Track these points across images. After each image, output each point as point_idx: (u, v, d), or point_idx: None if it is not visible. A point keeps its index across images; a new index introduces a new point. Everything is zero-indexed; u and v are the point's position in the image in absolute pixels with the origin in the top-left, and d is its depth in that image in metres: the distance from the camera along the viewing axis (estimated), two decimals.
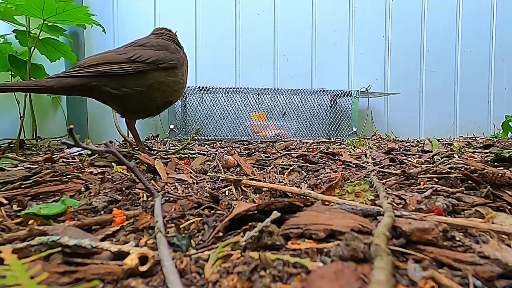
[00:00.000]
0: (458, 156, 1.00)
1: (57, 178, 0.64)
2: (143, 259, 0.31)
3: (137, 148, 1.06)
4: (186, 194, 0.57)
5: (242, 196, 0.59)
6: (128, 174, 0.73)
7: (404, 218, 0.40)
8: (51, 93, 1.08)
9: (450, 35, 2.49)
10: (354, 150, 1.25)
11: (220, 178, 0.72)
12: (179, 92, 1.07)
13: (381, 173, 0.77)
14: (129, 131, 1.12)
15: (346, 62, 2.39)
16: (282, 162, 0.96)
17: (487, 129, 2.57)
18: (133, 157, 0.90)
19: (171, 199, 0.54)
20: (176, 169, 0.81)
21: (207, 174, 0.78)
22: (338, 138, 2.02)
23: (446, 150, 1.16)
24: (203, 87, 1.96)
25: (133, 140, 1.17)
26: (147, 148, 1.15)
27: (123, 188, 0.60)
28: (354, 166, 0.91)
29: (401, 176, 0.71)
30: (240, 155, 1.08)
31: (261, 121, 2.00)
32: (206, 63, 2.23)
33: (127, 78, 0.92)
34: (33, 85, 0.86)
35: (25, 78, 1.31)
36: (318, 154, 1.10)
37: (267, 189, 0.61)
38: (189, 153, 1.12)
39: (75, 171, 0.71)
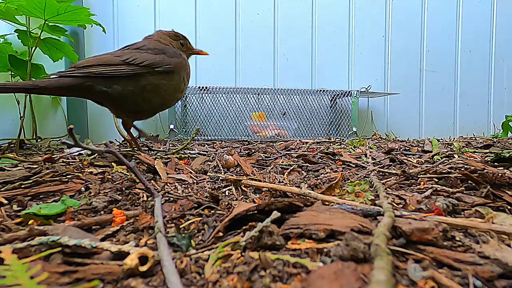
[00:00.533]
0: (458, 156, 1.00)
1: (57, 178, 0.64)
2: (143, 259, 0.31)
3: (136, 149, 1.06)
4: (186, 194, 0.57)
5: (242, 196, 0.59)
6: (128, 174, 0.73)
7: (404, 218, 0.40)
8: (47, 93, 1.08)
9: (450, 35, 2.49)
10: (354, 150, 1.25)
11: (220, 178, 0.72)
12: (174, 96, 1.04)
13: (381, 173, 0.77)
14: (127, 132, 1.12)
15: (346, 62, 2.39)
16: (282, 162, 0.96)
17: (487, 129, 2.57)
18: (133, 157, 0.90)
19: (171, 199, 0.54)
20: (176, 169, 0.81)
21: (207, 174, 0.78)
22: (338, 138, 2.02)
23: (446, 150, 1.16)
24: (203, 87, 1.96)
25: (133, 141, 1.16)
26: (146, 149, 1.15)
27: (123, 188, 0.60)
28: (354, 166, 0.91)
29: (401, 176, 0.71)
30: (240, 155, 1.08)
31: (261, 121, 2.00)
32: (206, 63, 2.23)
33: (121, 80, 0.92)
34: (29, 85, 0.87)
35: (25, 78, 1.31)
36: (318, 154, 1.10)
37: (267, 189, 0.61)
38: (189, 153, 1.12)
39: (75, 171, 0.71)
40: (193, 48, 1.20)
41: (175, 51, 1.04)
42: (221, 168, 0.85)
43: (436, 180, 0.67)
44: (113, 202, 0.53)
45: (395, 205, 0.51)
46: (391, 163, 0.94)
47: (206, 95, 2.02)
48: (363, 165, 0.90)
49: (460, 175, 0.65)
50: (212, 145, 1.58)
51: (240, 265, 0.31)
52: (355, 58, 2.40)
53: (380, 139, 2.00)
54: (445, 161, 0.85)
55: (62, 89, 0.90)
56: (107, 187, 0.61)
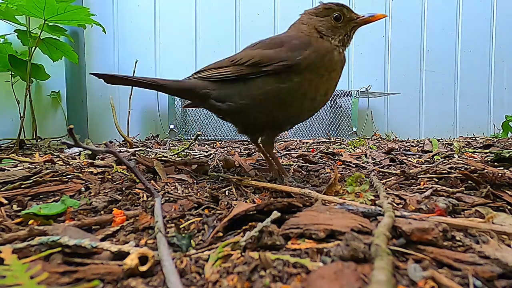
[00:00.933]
0: (458, 156, 1.00)
1: (57, 178, 0.64)
2: (143, 259, 0.31)
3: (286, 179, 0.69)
4: (186, 194, 0.57)
5: (242, 196, 0.59)
6: (128, 174, 0.73)
7: (404, 218, 0.40)
8: (171, 93, 0.90)
9: (450, 35, 2.49)
10: (354, 150, 1.25)
11: (220, 178, 0.72)
12: (295, 105, 0.69)
13: (381, 173, 0.77)
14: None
15: (346, 62, 2.39)
16: (282, 162, 0.96)
17: (487, 129, 2.57)
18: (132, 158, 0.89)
19: (171, 199, 0.54)
20: (176, 169, 0.81)
21: (207, 174, 0.78)
22: (338, 138, 2.02)
23: (446, 150, 1.16)
24: None
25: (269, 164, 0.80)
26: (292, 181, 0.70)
27: (123, 188, 0.60)
28: (354, 166, 0.91)
29: (401, 176, 0.71)
30: (240, 155, 1.08)
31: None
32: (206, 63, 2.22)
33: (227, 85, 0.73)
34: (155, 81, 0.75)
35: (25, 78, 1.31)
36: (318, 154, 1.10)
37: (267, 189, 0.61)
38: (190, 153, 1.11)
39: (75, 171, 0.71)
40: (357, 17, 0.80)
41: (302, 40, 0.72)
42: (221, 168, 0.85)
43: (436, 180, 0.67)
44: (113, 202, 0.53)
45: (395, 205, 0.51)
46: (391, 163, 0.94)
47: None
48: (363, 165, 0.90)
49: (460, 175, 0.65)
50: (212, 145, 1.58)
51: (240, 265, 0.31)
52: (355, 58, 2.39)
53: (380, 139, 2.00)
54: (445, 161, 0.85)
55: (180, 91, 0.79)
56: (107, 187, 0.61)
